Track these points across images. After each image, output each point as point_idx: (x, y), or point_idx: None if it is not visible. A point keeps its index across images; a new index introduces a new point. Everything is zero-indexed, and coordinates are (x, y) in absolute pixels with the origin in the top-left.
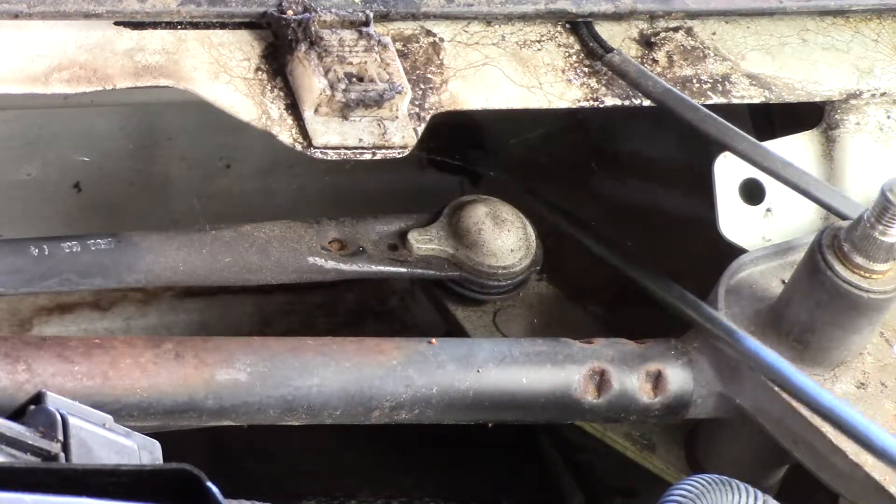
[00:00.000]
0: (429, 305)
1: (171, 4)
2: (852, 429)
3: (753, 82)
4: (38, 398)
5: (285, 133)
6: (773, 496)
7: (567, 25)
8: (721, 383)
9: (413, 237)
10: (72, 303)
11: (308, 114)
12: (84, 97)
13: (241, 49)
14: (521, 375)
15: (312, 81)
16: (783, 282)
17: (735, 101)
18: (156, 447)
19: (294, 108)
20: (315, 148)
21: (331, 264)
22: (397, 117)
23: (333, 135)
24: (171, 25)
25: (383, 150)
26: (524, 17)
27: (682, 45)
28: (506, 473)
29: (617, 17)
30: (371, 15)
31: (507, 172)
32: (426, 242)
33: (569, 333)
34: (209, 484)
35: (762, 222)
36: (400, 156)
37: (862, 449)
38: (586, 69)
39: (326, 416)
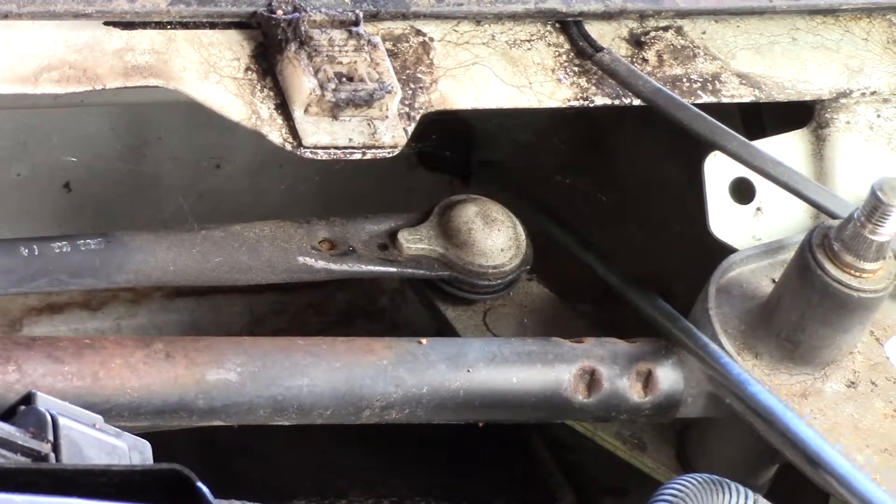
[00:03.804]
0: (419, 305)
1: (160, 4)
2: (819, 459)
3: (743, 81)
4: (28, 398)
5: (275, 133)
6: (764, 495)
7: (557, 25)
8: (711, 383)
9: (403, 237)
10: (62, 303)
11: (298, 113)
12: (74, 97)
13: (230, 49)
14: (511, 375)
15: (302, 81)
16: (773, 281)
17: (725, 100)
18: (146, 447)
19: (284, 107)
20: (305, 148)
21: (321, 264)
22: (387, 117)
23: (323, 134)
24: (160, 25)
25: (373, 150)
26: (514, 17)
27: (672, 45)
28: (496, 473)
29: (607, 16)
30: (361, 14)
31: (496, 172)
32: (416, 242)
33: (559, 333)
34: (199, 484)
35: (752, 221)
36: (390, 155)
37: (858, 443)
38: (576, 68)
39: (317, 416)
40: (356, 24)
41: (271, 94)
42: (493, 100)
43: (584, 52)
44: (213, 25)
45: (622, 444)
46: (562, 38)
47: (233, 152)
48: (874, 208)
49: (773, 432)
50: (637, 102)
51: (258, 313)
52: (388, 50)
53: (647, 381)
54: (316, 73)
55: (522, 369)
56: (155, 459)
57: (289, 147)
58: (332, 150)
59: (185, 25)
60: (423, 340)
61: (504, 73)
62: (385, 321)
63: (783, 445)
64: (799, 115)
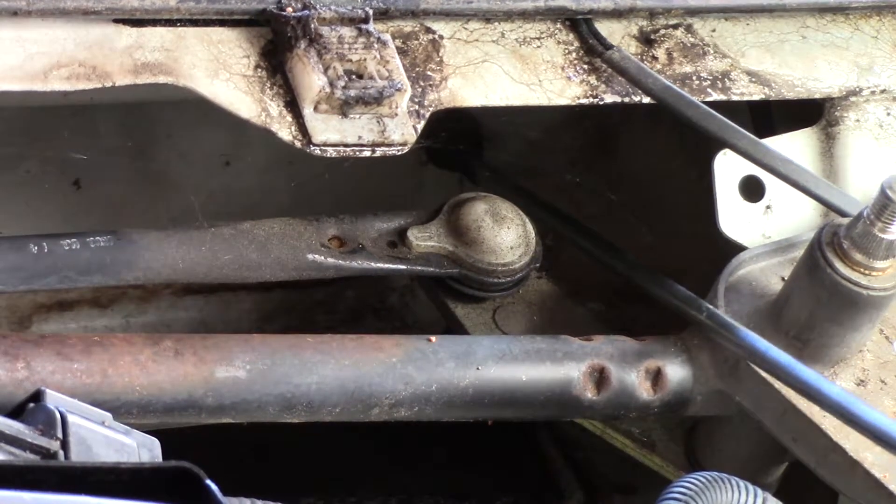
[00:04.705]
0: (428, 303)
1: (170, 1)
2: (858, 419)
3: (753, 79)
4: (37, 396)
5: (285, 130)
6: (773, 494)
7: (567, 22)
8: (721, 380)
9: (412, 234)
10: (71, 300)
11: (307, 111)
12: (83, 94)
13: (240, 46)
14: (520, 372)
15: (312, 79)
16: (783, 279)
17: (735, 98)
18: (155, 445)
19: (293, 105)
20: (314, 145)
21: (330, 261)
22: (397, 114)
23: (333, 132)
24: (170, 23)
25: (383, 148)
26: (524, 15)
27: (682, 42)
28: (505, 470)
29: (617, 14)
30: (371, 12)
31: (506, 170)
32: (425, 240)
33: (568, 330)
34: (208, 482)
35: (762, 219)
36: (399, 153)
37: (866, 441)
38: (586, 66)
39: (326, 414)
40: (366, 21)
41: (281, 91)
42: (503, 97)
43: (593, 49)
44: (222, 23)
45: (631, 441)
46: (571, 36)
47: (242, 150)
48: (884, 206)
49: (812, 402)
50: (647, 100)
51: (267, 311)
52: (397, 47)
53: (657, 378)
54: (325, 70)
55: (531, 367)
56: (164, 457)
57: (298, 144)
58: (342, 148)
59: (194, 23)
60: (433, 338)
61: (514, 71)
62: (394, 319)
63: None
64: (808, 113)
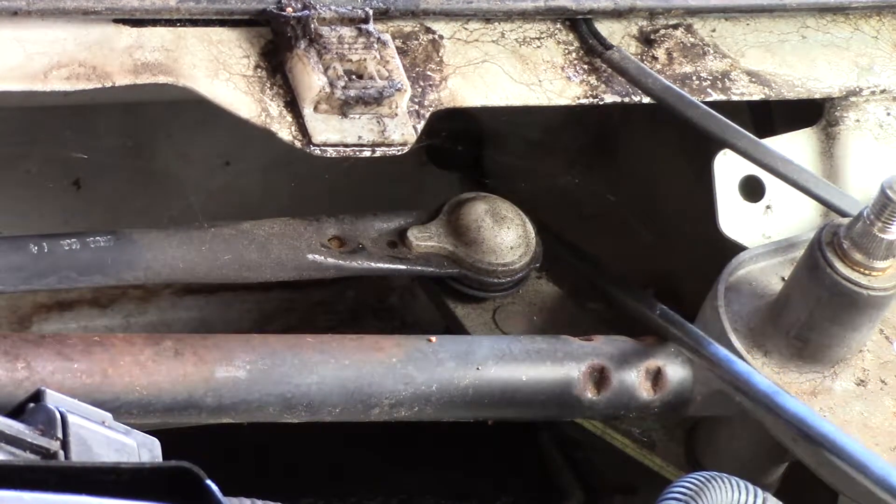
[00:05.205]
0: (428, 303)
1: (170, 1)
2: (829, 442)
3: (753, 79)
4: (37, 396)
5: (285, 130)
6: (773, 494)
7: (567, 22)
8: (719, 381)
9: (412, 234)
10: (71, 300)
11: (307, 111)
12: (83, 94)
13: (240, 46)
14: (520, 372)
15: (312, 79)
16: (783, 279)
17: (735, 98)
18: (155, 445)
19: (293, 105)
20: (314, 145)
21: (330, 261)
22: (397, 115)
23: (333, 132)
24: (170, 23)
25: (383, 148)
26: (524, 15)
27: (682, 43)
28: (505, 470)
29: (617, 14)
30: (370, 12)
31: (506, 170)
32: (426, 240)
33: (568, 331)
34: (208, 482)
35: (762, 219)
36: (399, 153)
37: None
38: (586, 66)
39: (326, 414)
40: (366, 21)
41: (281, 91)
42: (503, 98)
43: (593, 49)
44: (222, 23)
45: (631, 442)
46: (571, 36)
47: (242, 150)
48: (884, 206)
49: (783, 419)
50: (646, 100)
51: (267, 311)
52: (397, 48)
53: (657, 378)
54: (325, 70)
55: (532, 367)
56: (164, 457)
57: (298, 145)
58: (342, 148)
59: (194, 23)
60: (433, 338)
61: (513, 71)
62: (394, 319)
63: (791, 429)
64: (809, 113)
